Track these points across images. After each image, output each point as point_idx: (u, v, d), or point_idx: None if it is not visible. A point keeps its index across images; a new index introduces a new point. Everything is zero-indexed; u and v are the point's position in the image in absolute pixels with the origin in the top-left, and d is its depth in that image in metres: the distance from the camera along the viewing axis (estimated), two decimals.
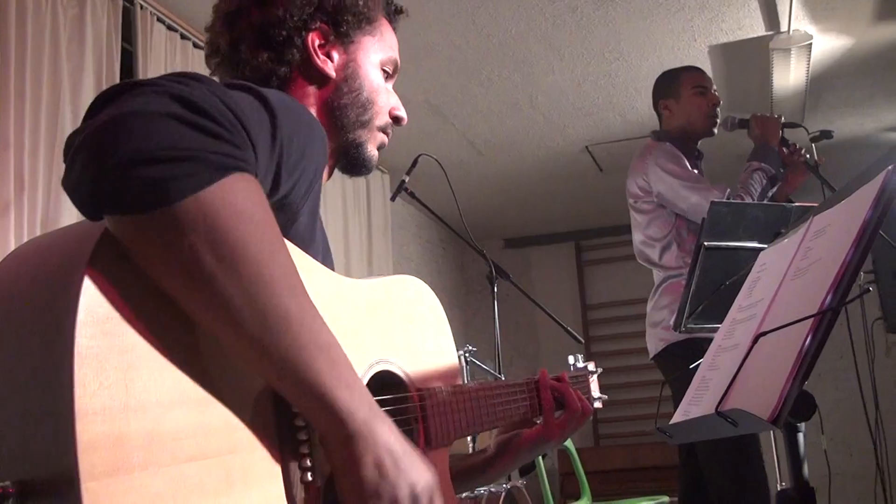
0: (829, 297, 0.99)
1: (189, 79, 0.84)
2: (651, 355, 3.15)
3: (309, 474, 0.90)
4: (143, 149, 0.74)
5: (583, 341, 3.41)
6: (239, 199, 0.79)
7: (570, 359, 1.78)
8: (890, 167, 1.01)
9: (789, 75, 4.48)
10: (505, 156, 5.59)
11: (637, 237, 3.21)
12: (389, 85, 1.34)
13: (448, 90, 4.57)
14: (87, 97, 3.05)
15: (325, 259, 1.16)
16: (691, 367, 1.45)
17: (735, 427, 1.05)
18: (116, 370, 0.74)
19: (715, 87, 3.25)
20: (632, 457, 6.47)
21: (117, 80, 3.22)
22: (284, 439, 0.89)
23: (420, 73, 4.23)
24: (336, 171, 1.34)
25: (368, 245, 5.20)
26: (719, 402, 1.06)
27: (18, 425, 0.73)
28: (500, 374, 3.28)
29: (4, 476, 0.71)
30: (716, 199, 2.76)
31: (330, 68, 1.25)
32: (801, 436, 1.17)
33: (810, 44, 4.17)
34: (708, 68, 4.44)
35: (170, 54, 3.55)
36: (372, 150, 1.30)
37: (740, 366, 1.06)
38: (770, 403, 0.97)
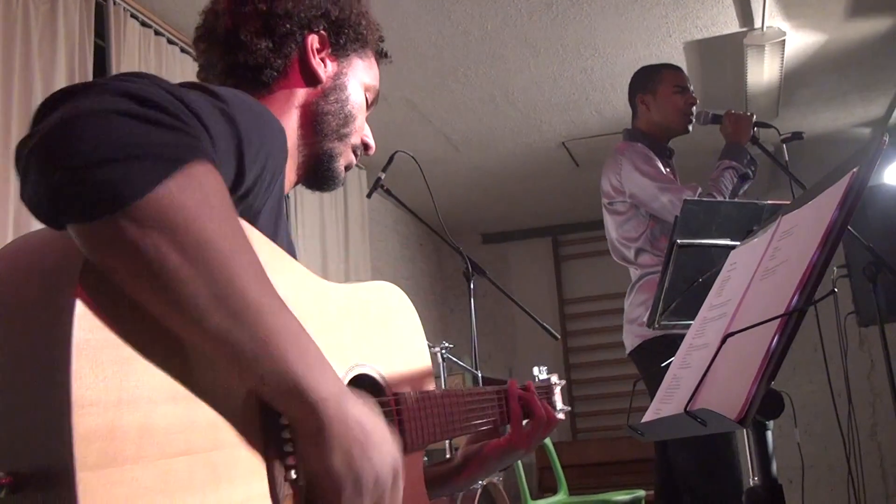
0: (795, 298, 1.00)
1: (136, 77, 0.83)
2: (627, 351, 3.18)
3: (292, 472, 0.91)
4: (94, 150, 0.72)
5: (558, 338, 3.42)
6: (197, 190, 0.77)
7: (535, 370, 1.80)
8: (856, 168, 1.02)
9: (763, 71, 4.52)
10: (481, 152, 5.60)
11: (612, 236, 3.24)
12: (366, 113, 1.36)
13: (424, 86, 4.56)
14: None
15: None
16: (663, 364, 1.46)
17: (704, 426, 1.06)
18: (112, 363, 0.74)
19: (692, 86, 3.28)
20: (609, 451, 6.50)
21: (90, 78, 3.19)
22: (269, 437, 0.90)
23: (396, 70, 4.22)
24: None
25: (345, 241, 5.19)
26: (688, 402, 1.07)
27: (12, 415, 0.73)
28: (476, 370, 3.28)
29: None
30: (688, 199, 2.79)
31: (322, 72, 1.27)
32: (769, 434, 1.18)
33: (784, 40, 4.20)
34: (683, 64, 4.47)
35: (144, 51, 3.52)
36: (342, 165, 1.31)
37: (709, 366, 1.07)
38: (738, 403, 0.98)
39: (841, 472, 4.70)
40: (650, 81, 3.26)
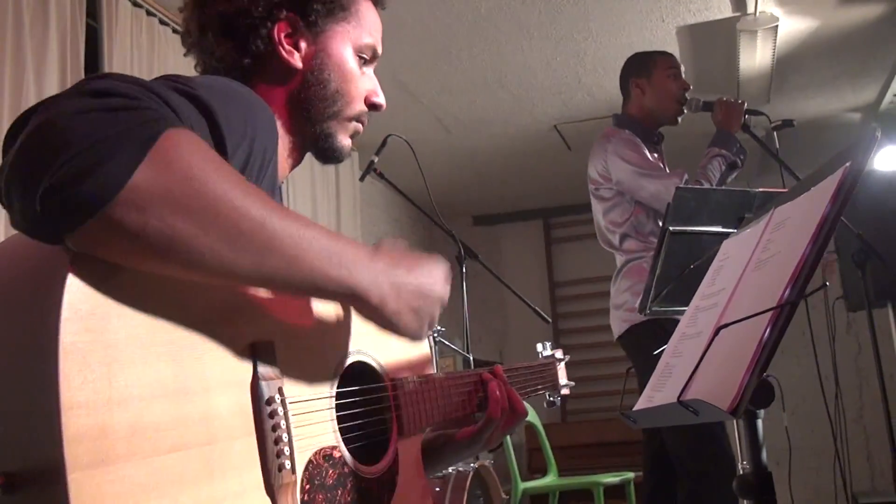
0: (787, 291, 1.02)
1: (98, 77, 0.84)
2: (615, 336, 3.21)
3: (286, 461, 0.93)
4: (64, 157, 0.72)
5: (550, 321, 3.45)
6: (177, 154, 0.78)
7: (539, 346, 1.80)
8: (848, 164, 1.04)
9: (755, 56, 4.52)
10: (474, 134, 5.59)
11: (599, 222, 3.26)
12: (369, 69, 1.32)
13: (417, 68, 4.56)
14: (52, 76, 3.01)
15: None
16: (655, 353, 1.47)
17: (696, 416, 1.08)
18: (100, 365, 0.75)
19: (684, 70, 3.29)
20: (598, 432, 6.55)
21: (82, 58, 3.18)
22: (261, 427, 0.92)
23: (389, 51, 4.16)
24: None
25: (337, 224, 5.19)
26: (681, 392, 1.08)
27: (3, 419, 0.75)
28: (468, 354, 3.30)
29: None
30: (674, 186, 2.81)
31: (296, 59, 1.23)
32: (759, 422, 1.20)
33: (776, 26, 4.21)
34: (675, 49, 4.47)
35: (136, 31, 3.50)
36: (343, 140, 1.28)
37: (701, 357, 1.09)
38: (730, 394, 1.00)
39: (827, 455, 4.75)
40: (645, 65, 3.27)
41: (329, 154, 1.28)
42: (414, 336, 1.05)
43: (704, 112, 3.18)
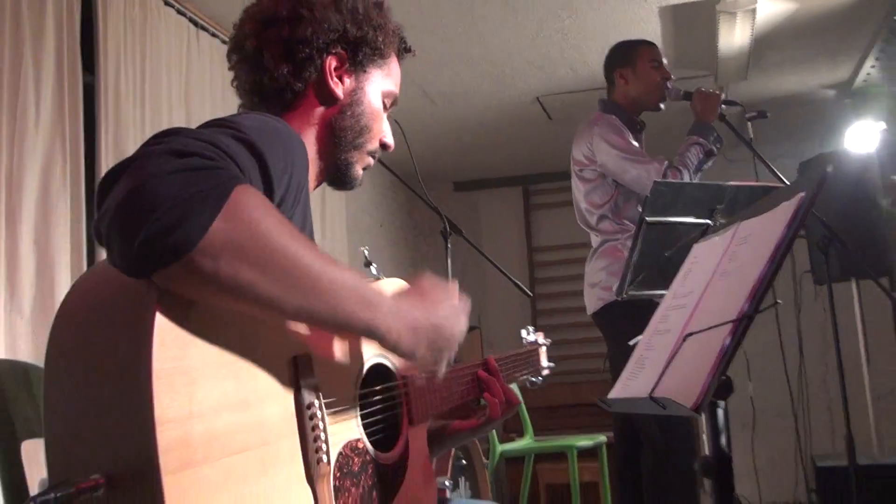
0: (746, 305, 1.16)
1: (172, 134, 0.98)
2: (589, 312, 3.38)
3: (323, 455, 1.11)
4: (157, 214, 0.87)
5: (531, 294, 3.56)
6: (244, 211, 0.93)
7: (523, 332, 1.95)
8: (802, 193, 1.18)
9: (734, 37, 4.63)
10: (458, 105, 5.69)
11: (578, 202, 3.41)
12: (385, 114, 1.49)
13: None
14: (49, 53, 3.08)
15: None
16: (631, 342, 1.62)
17: (664, 410, 1.23)
18: (183, 385, 0.91)
19: (665, 59, 3.42)
20: (573, 394, 6.75)
21: (77, 34, 3.24)
22: (303, 428, 1.09)
23: None
24: None
25: (322, 195, 5.28)
26: (652, 389, 1.24)
27: (105, 431, 0.90)
28: None
29: (95, 470, 0.88)
30: (655, 171, 2.98)
31: (340, 91, 1.40)
32: (720, 411, 1.35)
33: (755, 8, 4.32)
34: (657, 28, 4.58)
35: (129, 6, 3.56)
36: (359, 170, 1.45)
37: (669, 360, 1.24)
38: (694, 393, 1.15)
39: (790, 418, 4.98)
40: (629, 56, 3.40)
41: (346, 181, 1.45)
42: (427, 368, 1.20)
43: (684, 101, 3.32)
